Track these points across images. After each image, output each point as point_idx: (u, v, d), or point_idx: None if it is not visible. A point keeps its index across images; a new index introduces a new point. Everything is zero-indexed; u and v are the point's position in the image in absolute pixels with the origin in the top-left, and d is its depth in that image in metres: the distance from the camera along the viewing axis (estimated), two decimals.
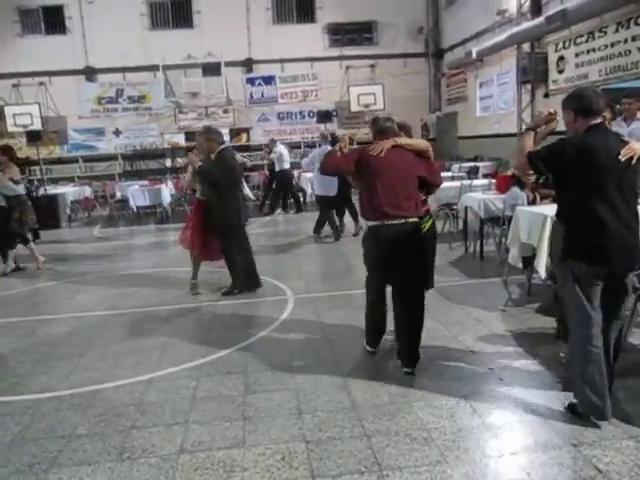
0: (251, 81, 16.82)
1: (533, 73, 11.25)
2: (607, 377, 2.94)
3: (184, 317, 5.30)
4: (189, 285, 6.04)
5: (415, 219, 3.66)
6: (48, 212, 11.70)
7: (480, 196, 6.66)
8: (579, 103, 2.98)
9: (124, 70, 16.46)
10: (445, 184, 8.78)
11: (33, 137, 13.09)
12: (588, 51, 10.02)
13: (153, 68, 15.86)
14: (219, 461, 2.83)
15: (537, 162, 2.99)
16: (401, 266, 3.64)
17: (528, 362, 3.78)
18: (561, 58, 10.81)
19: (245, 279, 5.87)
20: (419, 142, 3.93)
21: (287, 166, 11.89)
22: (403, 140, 3.80)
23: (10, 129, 15.24)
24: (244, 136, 17.16)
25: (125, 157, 16.93)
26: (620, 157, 2.83)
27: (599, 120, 2.97)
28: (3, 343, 4.82)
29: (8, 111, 15.68)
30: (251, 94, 16.90)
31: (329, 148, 8.48)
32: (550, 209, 4.78)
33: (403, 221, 3.58)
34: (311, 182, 11.81)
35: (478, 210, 6.49)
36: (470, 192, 7.46)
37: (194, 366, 4.05)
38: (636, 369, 3.58)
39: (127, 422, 3.29)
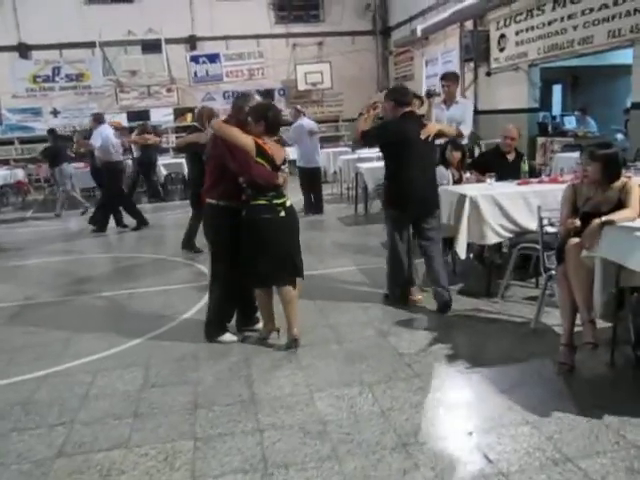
0: (195, 59, 16.23)
1: (475, 51, 11.18)
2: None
3: (96, 307, 5.03)
4: None
5: (208, 200, 3.77)
6: None
7: None
8: (396, 96, 4.23)
9: (60, 47, 15.59)
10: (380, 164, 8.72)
11: None
12: (527, 29, 9.97)
13: (91, 45, 15.13)
14: (97, 464, 2.62)
15: (368, 138, 4.29)
16: None
17: (440, 346, 3.69)
18: (502, 36, 10.75)
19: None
20: (237, 136, 3.52)
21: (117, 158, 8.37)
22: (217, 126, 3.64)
23: None
24: (189, 116, 16.59)
25: (65, 138, 16.17)
26: (421, 136, 4.12)
27: (409, 109, 4.22)
28: None
29: None
30: (195, 72, 16.31)
31: (306, 120, 9.00)
32: (472, 189, 4.71)
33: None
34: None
35: None
36: None
37: (95, 359, 3.82)
38: (548, 350, 3.53)
39: (8, 424, 3.04)
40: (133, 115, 15.94)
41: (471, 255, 5.39)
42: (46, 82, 15.95)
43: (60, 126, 16.20)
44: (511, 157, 5.38)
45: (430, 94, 5.11)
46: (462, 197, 4.45)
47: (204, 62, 16.32)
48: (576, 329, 3.25)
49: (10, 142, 16.02)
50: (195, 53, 16.33)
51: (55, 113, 16.21)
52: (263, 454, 2.61)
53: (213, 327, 3.94)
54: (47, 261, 6.91)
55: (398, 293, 4.48)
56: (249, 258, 3.62)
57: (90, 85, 16.11)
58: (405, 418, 2.85)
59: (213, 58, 16.30)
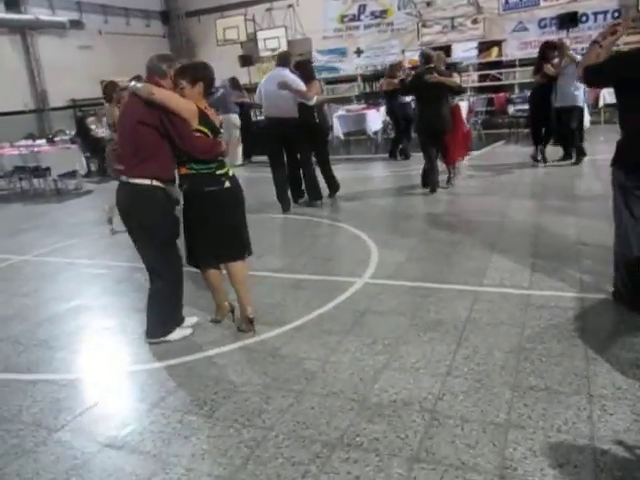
0: None
1: None
2: None
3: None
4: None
5: (136, 180, 3.13)
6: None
7: None
8: None
9: None
10: None
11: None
12: None
13: None
14: None
15: (591, 75, 3.24)
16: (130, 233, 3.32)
17: None
18: None
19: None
20: (179, 102, 3.06)
21: None
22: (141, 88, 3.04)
23: (261, 54, 16.01)
24: (494, 50, 14.61)
25: (365, 78, 16.13)
26: None
27: None
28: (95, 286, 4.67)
29: (260, 36, 16.39)
30: None
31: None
32: None
33: (124, 179, 3.21)
34: None
35: None
36: None
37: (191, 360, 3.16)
38: None
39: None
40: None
41: None
42: (352, 21, 16.01)
43: (362, 66, 16.25)
44: None
45: None
46: None
47: None
48: None
49: None
50: None
51: (359, 53, 16.21)
52: None
53: (161, 326, 3.37)
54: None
55: (627, 288, 3.23)
56: (195, 236, 3.33)
57: (392, 22, 15.54)
58: None
59: None
